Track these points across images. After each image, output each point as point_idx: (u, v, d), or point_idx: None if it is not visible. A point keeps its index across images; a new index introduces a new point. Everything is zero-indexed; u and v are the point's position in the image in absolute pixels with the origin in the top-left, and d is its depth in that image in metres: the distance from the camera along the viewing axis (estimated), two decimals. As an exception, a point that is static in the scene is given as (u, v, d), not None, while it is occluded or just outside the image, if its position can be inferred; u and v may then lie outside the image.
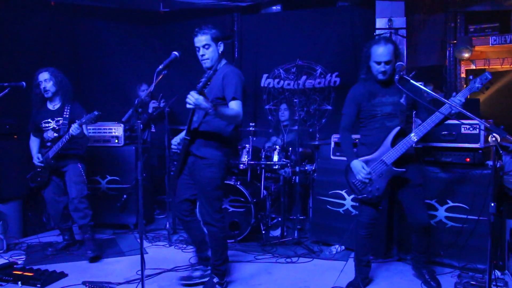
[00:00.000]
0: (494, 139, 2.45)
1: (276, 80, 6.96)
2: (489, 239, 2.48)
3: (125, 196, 5.31)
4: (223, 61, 3.48)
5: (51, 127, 4.37)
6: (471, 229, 3.75)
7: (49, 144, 4.37)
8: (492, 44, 6.11)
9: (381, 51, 3.22)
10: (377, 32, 6.00)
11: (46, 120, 4.39)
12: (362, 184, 3.35)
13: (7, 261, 4.18)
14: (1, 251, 4.52)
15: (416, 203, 3.40)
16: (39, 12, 6.29)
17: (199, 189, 3.44)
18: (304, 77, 6.74)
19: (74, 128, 4.03)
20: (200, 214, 3.51)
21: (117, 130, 5.40)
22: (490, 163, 3.83)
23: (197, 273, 3.70)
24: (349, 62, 6.50)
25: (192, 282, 3.65)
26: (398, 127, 3.28)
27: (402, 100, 3.31)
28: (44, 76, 4.32)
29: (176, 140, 3.61)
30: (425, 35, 6.48)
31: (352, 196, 4.42)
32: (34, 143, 4.56)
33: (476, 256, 3.71)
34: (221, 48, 3.43)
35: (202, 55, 3.36)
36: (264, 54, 7.05)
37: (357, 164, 3.34)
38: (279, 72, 6.95)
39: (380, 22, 6.01)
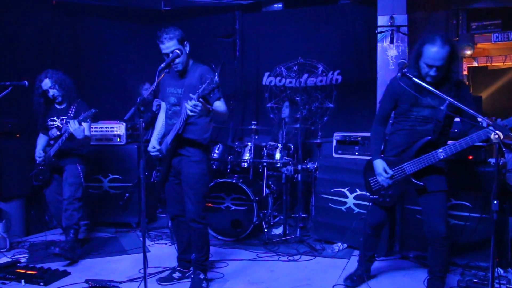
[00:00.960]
0: (497, 136, 2.44)
1: (278, 78, 6.96)
2: (492, 237, 2.48)
3: (127, 194, 5.32)
4: (191, 60, 3.48)
5: (56, 125, 4.39)
6: (473, 227, 3.75)
7: (52, 142, 4.38)
8: (494, 41, 6.09)
9: (435, 54, 2.87)
10: (379, 29, 5.99)
11: (52, 118, 4.40)
12: (379, 185, 3.28)
13: (10, 259, 4.19)
14: (4, 250, 4.53)
15: (433, 209, 3.09)
16: (41, 11, 6.29)
17: (187, 187, 3.45)
18: (305, 75, 6.73)
19: (71, 125, 4.03)
20: (186, 211, 3.49)
21: (119, 128, 5.40)
22: (492, 160, 3.82)
23: (177, 275, 3.77)
24: (351, 60, 6.49)
25: (172, 283, 3.71)
26: (428, 137, 3.06)
27: (443, 107, 2.98)
28: (47, 84, 4.27)
29: (153, 146, 3.52)
30: (427, 32, 6.45)
31: (354, 194, 4.42)
32: (41, 140, 4.56)
33: (479, 254, 3.72)
34: (187, 48, 3.42)
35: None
36: (266, 52, 7.05)
37: (379, 165, 3.21)
38: (281, 70, 6.94)
39: (382, 20, 5.99)
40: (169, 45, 3.28)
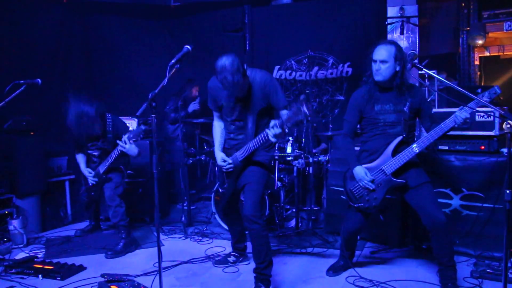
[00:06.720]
0: (509, 126, 2.43)
1: (288, 72, 6.95)
2: (505, 227, 2.47)
3: (140, 190, 5.36)
4: (248, 70, 3.31)
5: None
6: (486, 217, 3.73)
7: (96, 159, 4.52)
8: (506, 30, 6.00)
9: (378, 49, 3.17)
10: (389, 20, 5.94)
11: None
12: (361, 192, 3.33)
13: (27, 255, 4.26)
14: (22, 245, 4.61)
15: (426, 201, 3.14)
16: (52, 10, 6.35)
17: (247, 185, 3.40)
18: (316, 68, 6.71)
19: (128, 148, 4.13)
20: (244, 210, 3.29)
21: (132, 124, 5.44)
22: (505, 150, 3.79)
23: (232, 259, 3.99)
24: (361, 52, 6.39)
25: (226, 265, 3.91)
26: (400, 137, 3.20)
27: (405, 108, 3.20)
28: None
29: (223, 159, 3.48)
30: (438, 22, 6.39)
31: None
32: (80, 157, 4.66)
33: (492, 244, 3.70)
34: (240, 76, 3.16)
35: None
36: (276, 46, 7.03)
37: (360, 171, 3.30)
38: (291, 63, 6.93)
39: (392, 11, 5.94)
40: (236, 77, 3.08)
